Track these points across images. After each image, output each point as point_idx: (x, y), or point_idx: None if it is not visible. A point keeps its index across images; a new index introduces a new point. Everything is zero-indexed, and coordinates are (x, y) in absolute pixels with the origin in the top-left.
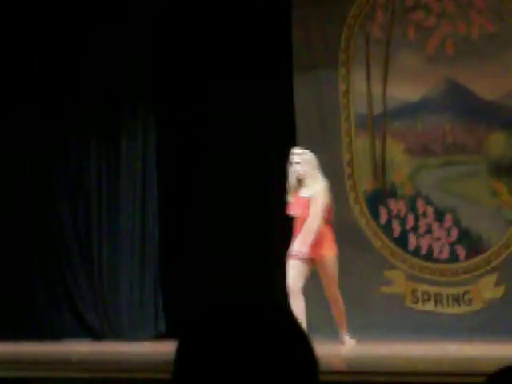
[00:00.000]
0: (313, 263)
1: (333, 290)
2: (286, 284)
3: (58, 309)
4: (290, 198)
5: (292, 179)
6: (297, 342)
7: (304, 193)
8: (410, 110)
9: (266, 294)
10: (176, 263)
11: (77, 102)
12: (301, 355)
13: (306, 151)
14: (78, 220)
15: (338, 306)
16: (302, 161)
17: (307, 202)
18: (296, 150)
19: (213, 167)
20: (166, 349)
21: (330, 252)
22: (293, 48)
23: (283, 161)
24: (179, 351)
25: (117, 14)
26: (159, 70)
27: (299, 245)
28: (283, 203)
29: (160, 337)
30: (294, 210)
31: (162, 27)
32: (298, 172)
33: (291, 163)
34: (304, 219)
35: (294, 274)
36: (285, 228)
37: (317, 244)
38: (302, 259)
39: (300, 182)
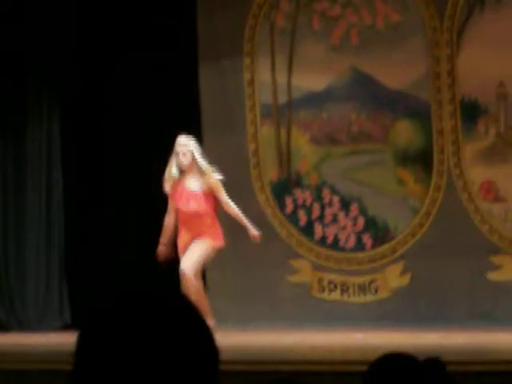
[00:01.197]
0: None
1: (183, 264)
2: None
3: None
4: (169, 188)
5: (174, 169)
6: (196, 329)
7: (194, 186)
8: (315, 100)
9: (169, 281)
10: (81, 253)
11: None
12: (200, 344)
13: (192, 141)
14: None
15: (183, 283)
16: (188, 151)
17: (204, 196)
18: (182, 140)
19: (117, 156)
20: (72, 339)
21: (210, 239)
22: (198, 37)
23: None
24: (79, 341)
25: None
26: (64, 63)
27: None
28: None
29: (65, 328)
30: (188, 203)
31: (68, 11)
32: (183, 163)
33: (177, 153)
34: (202, 215)
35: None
36: None
37: (199, 230)
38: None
39: (184, 173)
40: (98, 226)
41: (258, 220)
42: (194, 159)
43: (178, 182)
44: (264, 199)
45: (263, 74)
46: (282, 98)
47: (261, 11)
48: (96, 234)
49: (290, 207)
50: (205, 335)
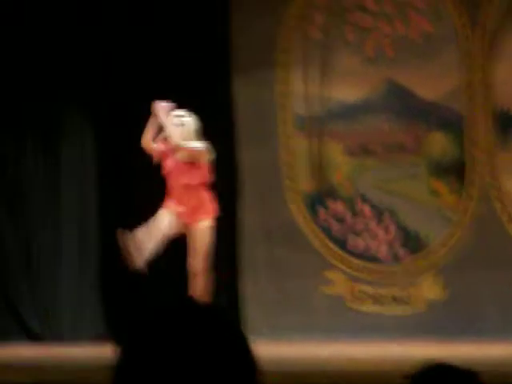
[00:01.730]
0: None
1: (196, 263)
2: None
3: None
4: (156, 146)
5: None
6: (235, 342)
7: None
8: (349, 111)
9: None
10: (115, 265)
11: (13, 109)
12: (240, 356)
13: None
14: (17, 221)
15: (199, 281)
16: (186, 123)
17: (194, 168)
18: (180, 113)
19: (150, 168)
20: (106, 350)
21: (205, 217)
22: (231, 49)
23: (222, 161)
24: (119, 354)
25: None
26: (96, 74)
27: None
28: (224, 204)
29: (99, 338)
30: (182, 175)
31: (96, 30)
32: (180, 133)
33: (176, 124)
34: (193, 186)
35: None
36: (224, 223)
37: (194, 206)
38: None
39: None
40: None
41: (291, 231)
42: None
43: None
44: (297, 210)
45: (296, 86)
46: (316, 110)
47: (294, 23)
48: None
49: (323, 218)
50: (244, 347)
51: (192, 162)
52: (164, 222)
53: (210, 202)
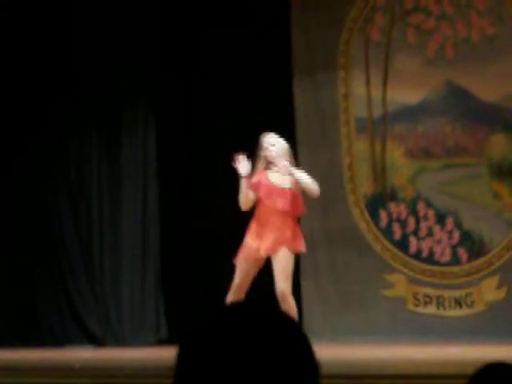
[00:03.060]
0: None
1: (280, 285)
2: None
3: (59, 315)
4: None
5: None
6: (298, 345)
7: (280, 182)
8: (410, 113)
9: (266, 298)
10: (177, 268)
11: (76, 104)
12: (302, 358)
13: (280, 139)
14: (80, 226)
15: (288, 301)
16: (275, 144)
17: (291, 195)
18: (271, 136)
19: (213, 172)
20: (168, 354)
21: (290, 246)
22: (292, 51)
23: None
24: (180, 356)
25: (116, 16)
26: (160, 73)
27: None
28: None
29: (161, 342)
30: (274, 199)
31: (162, 29)
32: (271, 153)
33: (265, 148)
34: (288, 213)
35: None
36: None
37: (282, 232)
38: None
39: (268, 166)
40: (195, 240)
41: (352, 234)
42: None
43: (260, 174)
44: (358, 213)
45: (358, 88)
46: (377, 112)
47: (355, 25)
48: (192, 248)
49: (384, 221)
50: (305, 349)
51: (291, 190)
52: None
53: (298, 233)
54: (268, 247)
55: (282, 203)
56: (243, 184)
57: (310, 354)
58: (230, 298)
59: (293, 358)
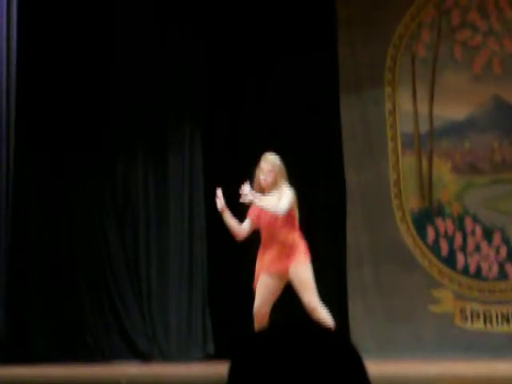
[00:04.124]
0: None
1: (308, 300)
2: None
3: (107, 331)
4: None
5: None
6: (350, 362)
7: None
8: (456, 129)
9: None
10: (224, 285)
11: (124, 123)
12: (354, 375)
13: (278, 161)
14: (126, 242)
15: (319, 314)
16: (273, 170)
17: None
18: (270, 157)
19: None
20: (215, 370)
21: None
22: (339, 67)
23: (331, 181)
24: (232, 372)
25: (165, 35)
26: (204, 88)
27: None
28: (332, 224)
29: (208, 358)
30: (272, 220)
31: (209, 46)
32: (267, 180)
33: (262, 169)
34: (287, 231)
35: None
36: (332, 243)
37: (288, 255)
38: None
39: (263, 191)
40: (241, 255)
41: (400, 250)
42: (277, 178)
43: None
44: (405, 229)
45: (404, 104)
46: (424, 128)
47: (402, 41)
48: (239, 263)
49: (431, 237)
50: (358, 366)
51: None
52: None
53: (301, 243)
54: (282, 267)
55: (276, 222)
56: (224, 217)
57: (362, 371)
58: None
59: (345, 375)
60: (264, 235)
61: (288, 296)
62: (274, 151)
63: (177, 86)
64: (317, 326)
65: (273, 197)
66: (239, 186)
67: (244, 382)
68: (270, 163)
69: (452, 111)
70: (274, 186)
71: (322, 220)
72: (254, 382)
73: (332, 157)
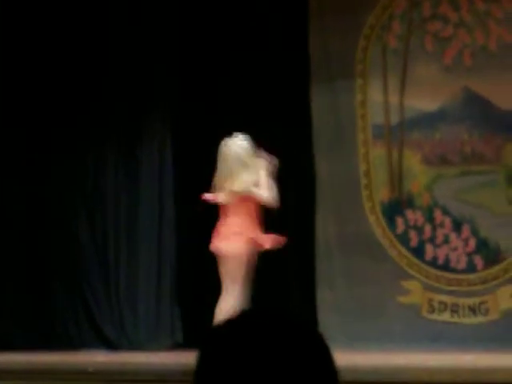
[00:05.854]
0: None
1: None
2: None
3: (75, 319)
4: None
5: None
6: (318, 351)
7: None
8: (427, 120)
9: (286, 302)
10: (193, 273)
11: (94, 113)
12: (322, 365)
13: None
14: (96, 230)
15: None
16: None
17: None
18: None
19: None
20: (183, 359)
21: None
22: (310, 58)
23: (300, 172)
24: (200, 360)
25: (141, 32)
26: (175, 79)
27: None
28: (301, 213)
29: (177, 347)
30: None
31: (185, 39)
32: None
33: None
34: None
35: None
36: (301, 233)
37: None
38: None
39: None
40: (209, 245)
41: (369, 240)
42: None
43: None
44: (375, 220)
45: (375, 95)
46: (394, 119)
47: (373, 32)
48: (208, 253)
49: (400, 228)
50: (325, 356)
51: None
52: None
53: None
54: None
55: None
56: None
57: (330, 360)
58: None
59: (313, 364)
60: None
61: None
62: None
63: (152, 85)
64: (285, 314)
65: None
66: (209, 180)
67: (212, 370)
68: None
69: (423, 102)
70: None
71: (290, 210)
72: (221, 371)
73: (301, 147)
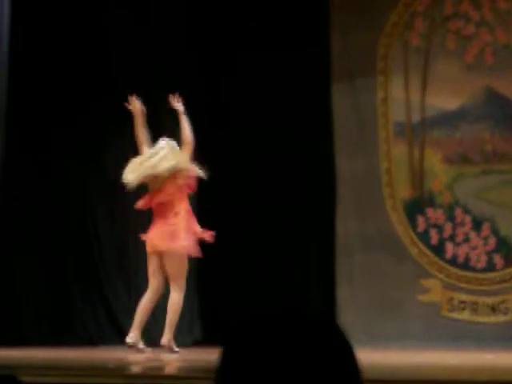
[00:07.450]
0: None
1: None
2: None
3: (94, 315)
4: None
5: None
6: (341, 350)
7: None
8: (448, 119)
9: (306, 299)
10: (212, 269)
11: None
12: (345, 365)
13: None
14: (115, 225)
15: (173, 309)
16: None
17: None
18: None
19: (246, 174)
20: (202, 355)
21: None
22: (331, 55)
23: (321, 169)
24: (223, 358)
25: (148, 38)
26: (199, 74)
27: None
28: (322, 211)
29: (196, 344)
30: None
31: (205, 37)
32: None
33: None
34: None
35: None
36: (322, 231)
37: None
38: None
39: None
40: (230, 241)
41: (389, 238)
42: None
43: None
44: (396, 218)
45: (396, 93)
46: (416, 117)
47: (395, 30)
48: (228, 250)
49: (421, 226)
50: (347, 355)
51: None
52: None
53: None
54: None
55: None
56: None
57: (354, 359)
58: None
59: (335, 363)
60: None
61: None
62: (266, 139)
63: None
64: (308, 312)
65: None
66: (229, 169)
67: (235, 368)
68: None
69: (444, 101)
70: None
71: (310, 207)
72: (244, 369)
73: (322, 144)
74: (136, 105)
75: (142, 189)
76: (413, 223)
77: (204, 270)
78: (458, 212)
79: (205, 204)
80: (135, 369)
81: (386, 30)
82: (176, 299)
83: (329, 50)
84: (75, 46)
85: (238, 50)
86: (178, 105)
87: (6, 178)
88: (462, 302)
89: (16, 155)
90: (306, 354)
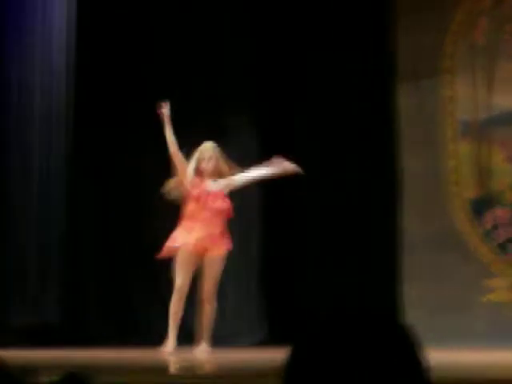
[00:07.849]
0: (200, 258)
1: (212, 291)
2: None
3: (155, 316)
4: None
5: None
6: (411, 353)
7: (217, 187)
8: None
9: (374, 299)
10: (278, 269)
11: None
12: (413, 365)
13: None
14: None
15: (210, 310)
16: (213, 156)
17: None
18: (208, 145)
19: (312, 173)
20: (269, 356)
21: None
22: (397, 54)
23: (385, 168)
24: (291, 358)
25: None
26: (263, 78)
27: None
28: (383, 210)
29: (262, 344)
30: (215, 202)
31: (268, 39)
32: (208, 166)
33: (202, 159)
34: (226, 214)
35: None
36: (387, 230)
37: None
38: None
39: (203, 176)
40: (295, 241)
41: (455, 237)
42: (218, 164)
43: (196, 184)
44: (462, 217)
45: (462, 91)
46: (481, 115)
47: (461, 28)
48: (293, 249)
49: (488, 225)
50: (415, 355)
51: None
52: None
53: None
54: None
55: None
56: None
57: (421, 359)
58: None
59: (403, 363)
60: (206, 216)
61: None
62: (330, 139)
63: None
64: (375, 312)
65: (215, 182)
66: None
67: (303, 368)
68: (209, 150)
69: (509, 100)
70: (216, 170)
71: (373, 206)
72: (312, 369)
73: (388, 144)
74: (165, 111)
75: None
76: (479, 222)
77: (270, 268)
78: None
79: (271, 203)
80: (197, 368)
81: (452, 28)
82: (214, 306)
83: (394, 50)
84: (141, 49)
85: (302, 51)
86: (165, 111)
87: (71, 178)
88: None
89: (83, 155)
90: (374, 355)
